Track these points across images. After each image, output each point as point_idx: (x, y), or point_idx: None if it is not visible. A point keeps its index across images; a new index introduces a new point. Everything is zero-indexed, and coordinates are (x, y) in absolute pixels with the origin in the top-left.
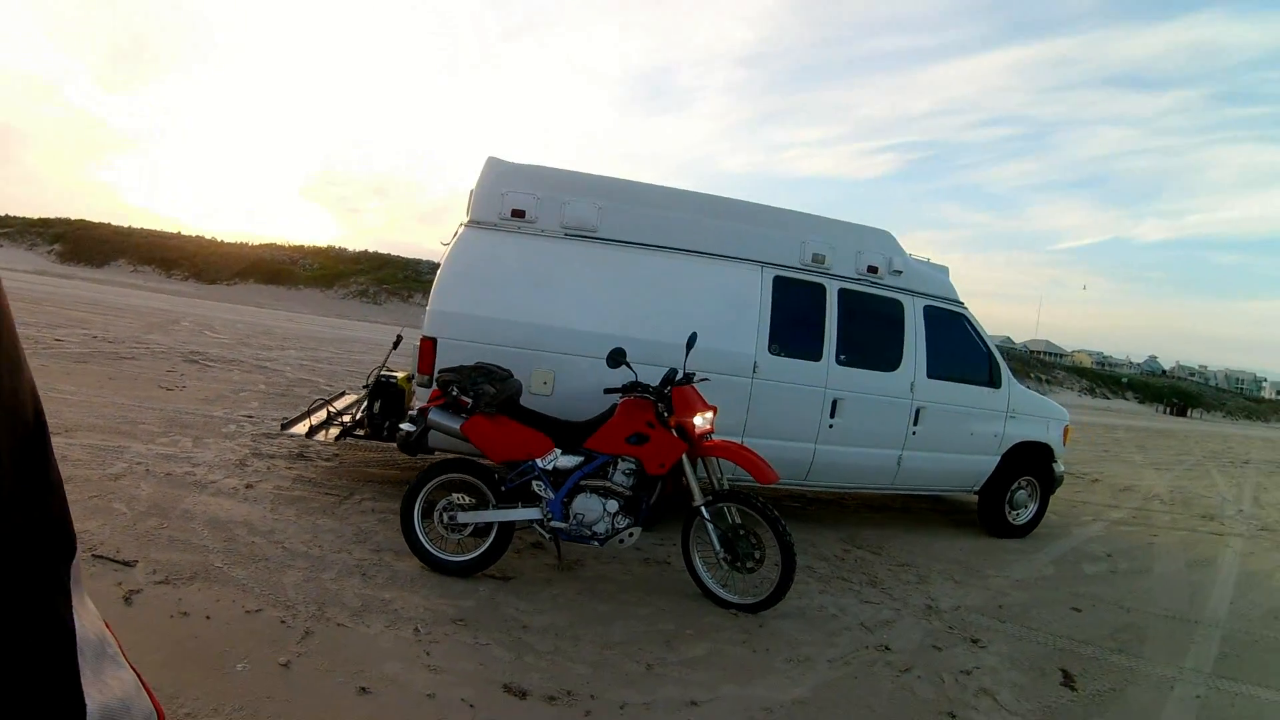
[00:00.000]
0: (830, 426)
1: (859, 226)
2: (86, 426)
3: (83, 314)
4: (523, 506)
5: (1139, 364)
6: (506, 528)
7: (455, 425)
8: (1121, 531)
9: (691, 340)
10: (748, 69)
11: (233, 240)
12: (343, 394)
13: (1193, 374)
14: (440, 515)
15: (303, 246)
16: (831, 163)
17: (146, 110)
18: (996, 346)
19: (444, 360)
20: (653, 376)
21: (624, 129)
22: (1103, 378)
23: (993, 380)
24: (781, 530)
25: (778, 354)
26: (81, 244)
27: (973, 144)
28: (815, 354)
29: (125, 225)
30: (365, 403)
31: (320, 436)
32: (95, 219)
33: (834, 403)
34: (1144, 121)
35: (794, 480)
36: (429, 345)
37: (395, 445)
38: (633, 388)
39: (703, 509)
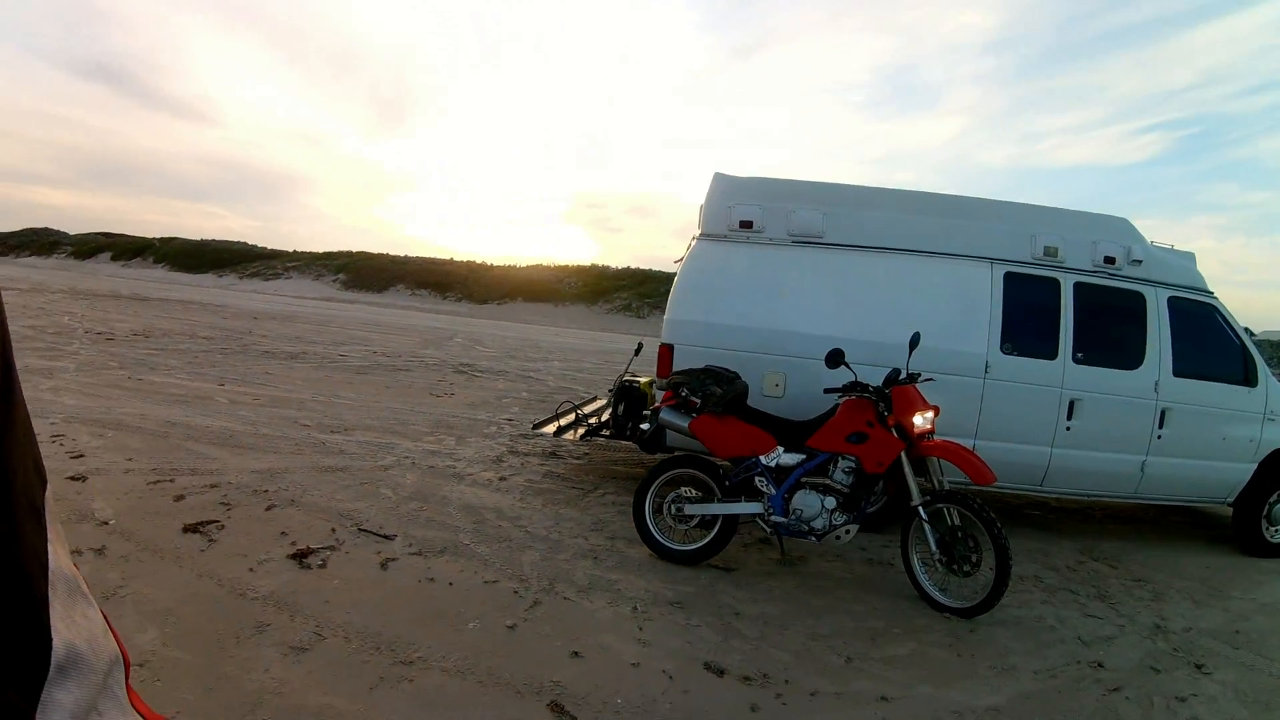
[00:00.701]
0: (1067, 429)
1: (1093, 215)
2: (363, 427)
3: (364, 333)
4: (746, 501)
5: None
6: (730, 520)
7: (684, 423)
8: None
9: (914, 340)
10: (994, 56)
11: (501, 264)
12: (594, 398)
13: None
14: (669, 507)
15: (567, 266)
16: (1093, 149)
17: (416, 152)
18: (1256, 340)
19: (680, 364)
20: (879, 377)
21: (873, 133)
22: None
23: (1248, 378)
24: (997, 533)
25: (1010, 353)
26: (363, 273)
27: (1243, 114)
28: (1050, 352)
29: (402, 255)
30: (610, 405)
31: (568, 436)
32: (374, 250)
33: (1071, 404)
34: None
35: (1028, 485)
36: (666, 351)
37: (637, 444)
38: (852, 387)
39: (920, 509)
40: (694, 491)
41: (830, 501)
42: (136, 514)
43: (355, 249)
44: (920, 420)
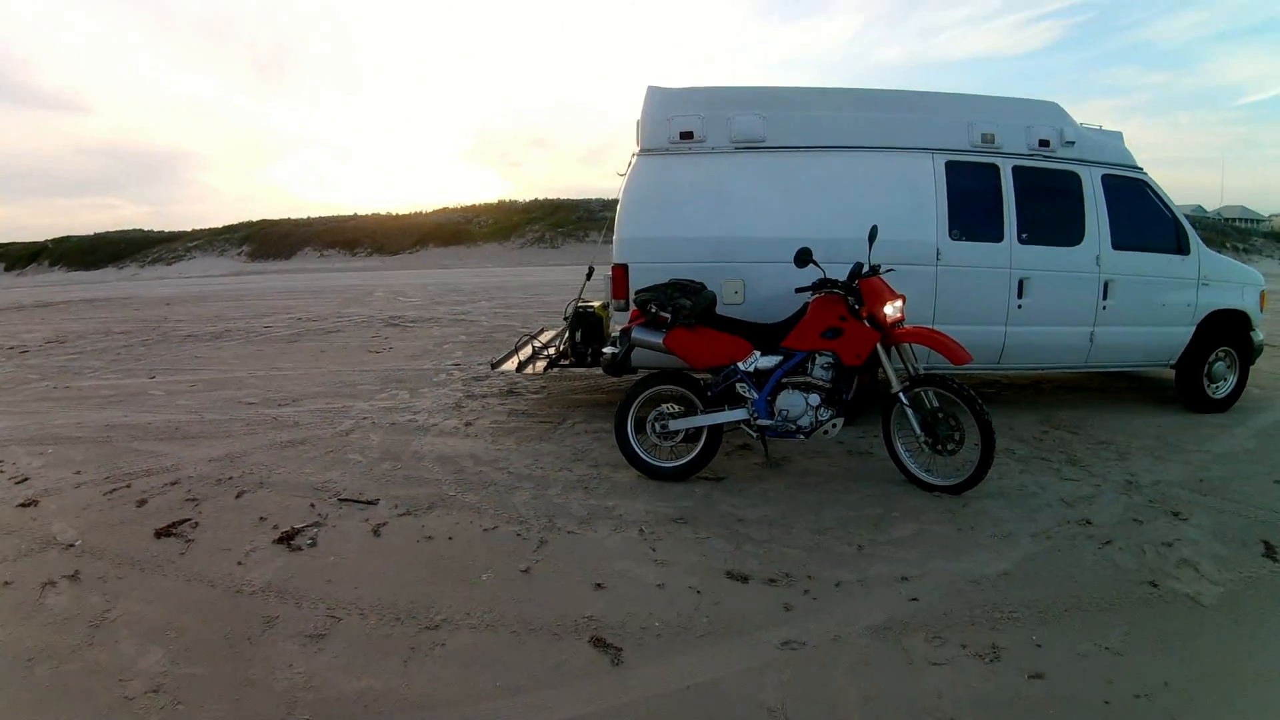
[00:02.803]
0: (1019, 307)
1: (1024, 100)
2: (311, 394)
3: (283, 302)
4: (729, 409)
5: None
6: (716, 430)
7: (658, 339)
8: None
9: (873, 233)
10: None
11: (407, 212)
12: (542, 330)
13: None
14: (652, 425)
15: (475, 206)
16: (989, 40)
17: (305, 111)
18: (1184, 214)
19: (637, 283)
20: (837, 274)
21: (768, 39)
22: None
23: (1181, 247)
24: (979, 410)
25: (959, 239)
26: (267, 241)
27: (1134, 1)
28: (997, 235)
29: (305, 217)
30: (567, 334)
31: (530, 370)
32: (276, 217)
33: (1020, 282)
34: None
35: (987, 365)
36: (621, 272)
37: (600, 370)
38: (822, 284)
39: (901, 395)
40: (675, 407)
41: (814, 398)
42: (102, 529)
43: (256, 218)
44: (891, 310)
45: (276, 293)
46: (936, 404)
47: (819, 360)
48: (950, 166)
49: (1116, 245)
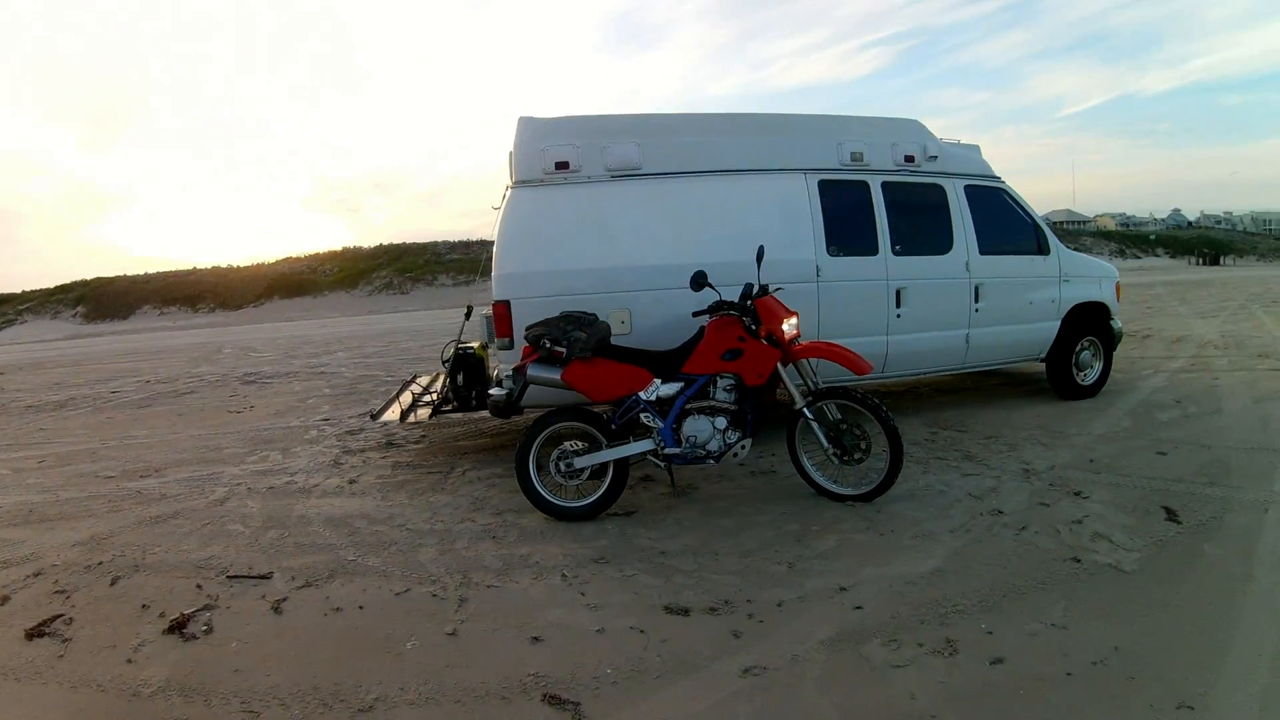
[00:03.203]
0: (898, 316)
1: (889, 119)
2: (175, 463)
3: (127, 364)
4: (635, 440)
5: (1163, 220)
6: (622, 464)
7: (555, 375)
8: (1184, 379)
9: (760, 253)
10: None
11: (249, 264)
12: (415, 376)
13: (1219, 222)
14: (556, 465)
15: (318, 254)
16: (819, 69)
17: (131, 162)
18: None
19: (521, 320)
20: (728, 296)
21: (608, 75)
22: (1130, 238)
23: (1041, 248)
24: (885, 417)
25: (836, 254)
26: (103, 301)
27: (960, 24)
28: (872, 249)
29: (141, 273)
30: (447, 378)
31: (412, 418)
32: (111, 274)
33: (898, 293)
34: None
35: (872, 375)
36: (503, 309)
37: (485, 413)
38: (719, 306)
39: (805, 410)
40: (578, 444)
41: (720, 421)
42: None
43: (90, 276)
44: (788, 327)
45: (119, 355)
46: (839, 416)
47: (721, 383)
48: (823, 185)
49: (983, 250)
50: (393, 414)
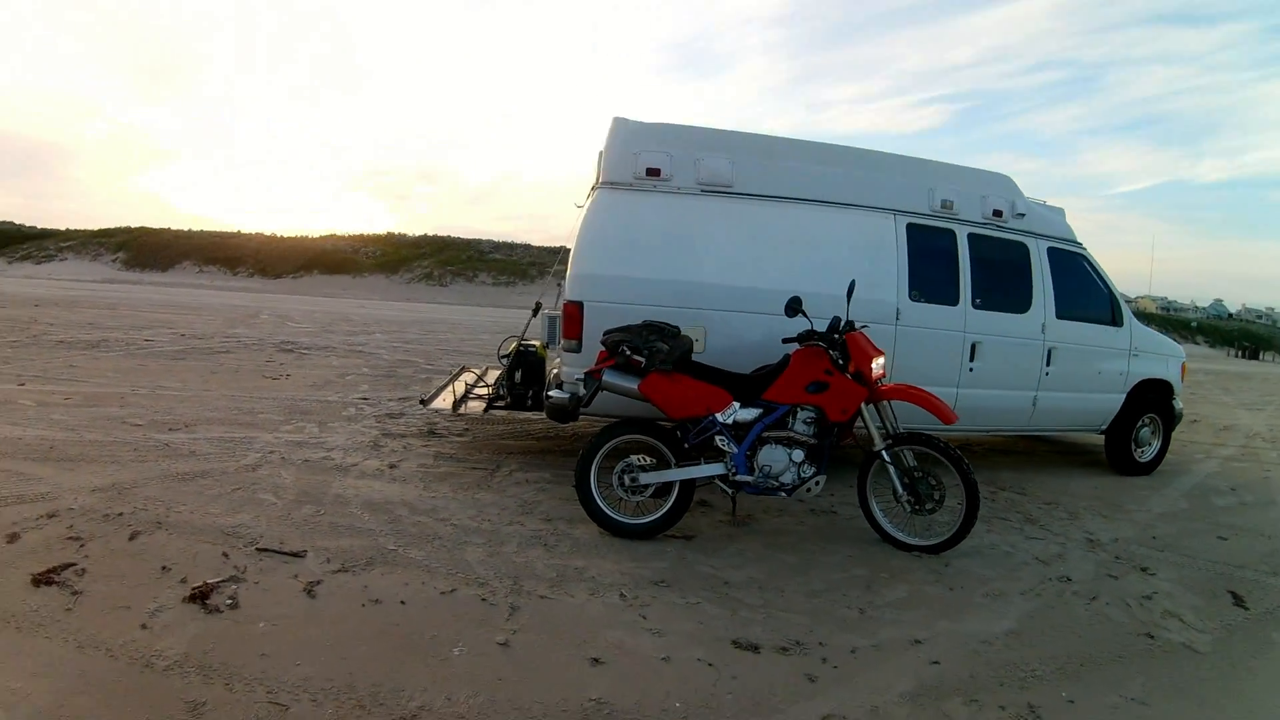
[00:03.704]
0: (970, 370)
1: (980, 171)
2: (206, 420)
3: (162, 315)
4: (705, 463)
5: (1205, 308)
6: (688, 486)
7: (632, 385)
8: (1236, 468)
9: (851, 288)
10: (783, 28)
11: (292, 235)
12: (464, 369)
13: (1260, 316)
14: (619, 478)
15: (363, 235)
16: (876, 118)
17: (194, 120)
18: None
19: (592, 323)
20: (800, 327)
21: (666, 98)
22: (1171, 323)
23: (1115, 319)
24: (966, 470)
25: (918, 300)
26: (144, 250)
27: (1019, 91)
28: (952, 299)
29: (185, 229)
30: (504, 373)
31: (463, 410)
32: (155, 226)
33: (973, 346)
34: (1196, 59)
35: (938, 427)
36: (575, 310)
37: (532, 414)
38: (809, 336)
39: (884, 453)
40: (646, 459)
41: (797, 454)
42: None
43: (131, 224)
44: (876, 366)
45: (154, 305)
46: (914, 463)
47: (801, 415)
48: (911, 229)
49: (1060, 314)
50: (443, 402)
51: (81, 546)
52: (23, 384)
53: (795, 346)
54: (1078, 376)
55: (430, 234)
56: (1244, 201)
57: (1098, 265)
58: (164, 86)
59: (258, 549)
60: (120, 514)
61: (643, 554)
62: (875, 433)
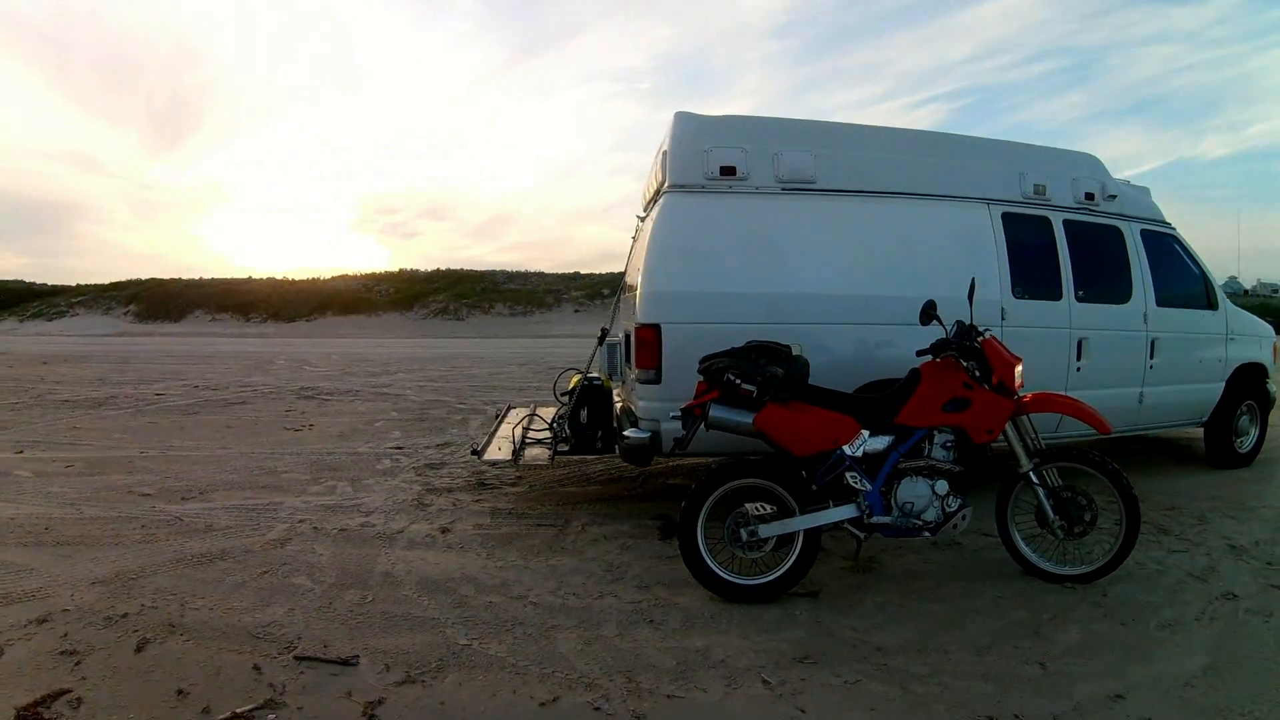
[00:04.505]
0: (1078, 369)
1: (1067, 151)
2: (224, 485)
3: (174, 366)
4: (835, 505)
5: (1220, 286)
6: (814, 535)
7: (746, 420)
8: None
9: (972, 287)
10: (779, 40)
11: (303, 277)
12: (509, 407)
13: (1276, 290)
14: (733, 532)
15: (375, 273)
16: (876, 121)
17: (198, 169)
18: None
19: (671, 349)
20: (907, 337)
21: (663, 120)
22: None
23: (1210, 302)
24: (1125, 484)
25: (1021, 297)
26: (156, 301)
27: (1018, 83)
28: (1056, 293)
29: (196, 278)
30: (566, 412)
31: (526, 459)
32: (166, 276)
33: (1079, 343)
34: (1192, 35)
35: (1046, 433)
36: (651, 334)
37: (618, 456)
38: (944, 345)
39: (1032, 474)
40: (764, 507)
41: (941, 485)
42: None
43: (145, 276)
44: (1018, 374)
45: (166, 356)
46: (1060, 481)
47: (938, 438)
48: (1007, 219)
49: (1160, 302)
50: (499, 451)
51: (78, 664)
52: (20, 451)
53: (928, 359)
54: (1180, 367)
55: (443, 269)
56: (1251, 175)
57: (1188, 245)
58: (176, 138)
59: (296, 657)
60: (125, 615)
61: (770, 622)
62: (1020, 451)
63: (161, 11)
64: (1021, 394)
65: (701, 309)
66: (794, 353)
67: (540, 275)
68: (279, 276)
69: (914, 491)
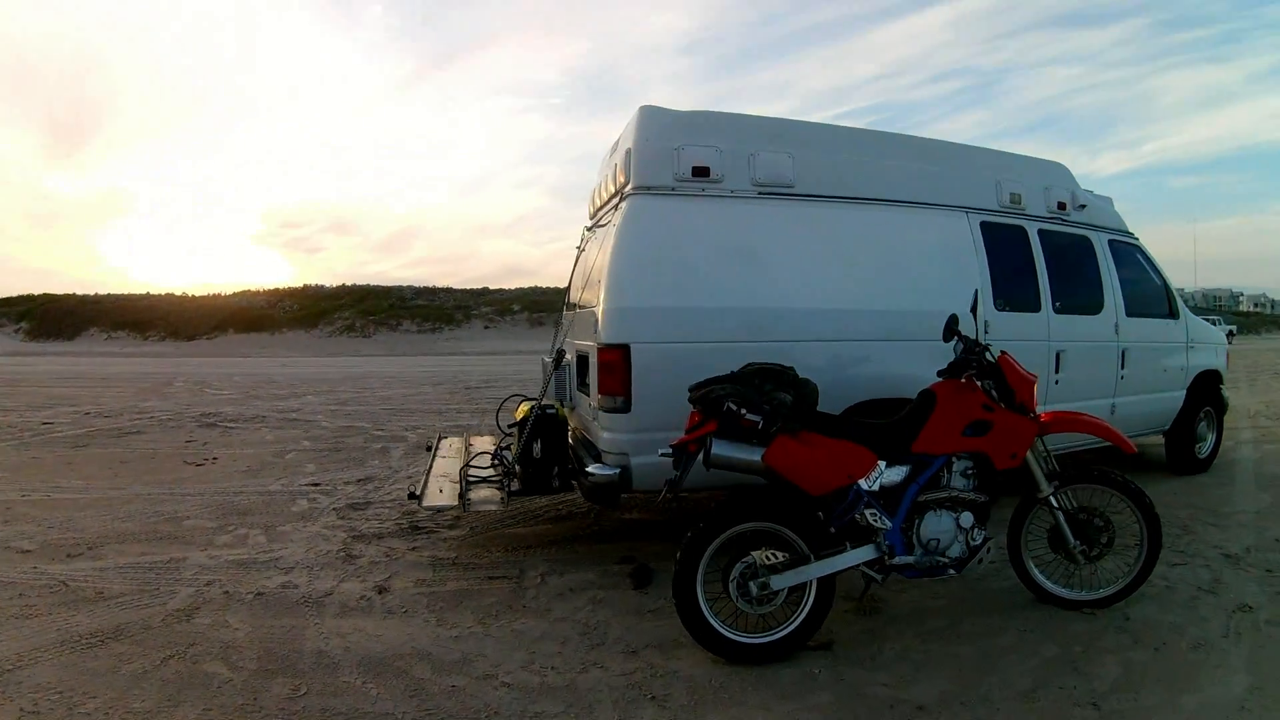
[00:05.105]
0: (1056, 383)
1: (1037, 159)
2: (117, 536)
3: (66, 390)
4: (851, 547)
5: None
6: (828, 584)
7: (754, 456)
8: (1272, 450)
9: (975, 300)
10: (690, 57)
11: (204, 293)
12: (441, 438)
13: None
14: (739, 584)
15: (278, 289)
16: None
17: (97, 180)
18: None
19: (643, 373)
20: (892, 354)
21: (574, 134)
22: None
23: (1172, 310)
24: (1148, 504)
25: (1003, 309)
26: (49, 318)
27: (923, 102)
28: (1035, 305)
29: (92, 294)
30: (518, 446)
31: (472, 500)
32: (60, 292)
33: (1057, 355)
34: (1092, 56)
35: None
36: (617, 357)
37: (590, 496)
38: (966, 364)
39: (1052, 498)
40: (774, 555)
41: (966, 518)
42: None
43: (38, 292)
44: (1037, 393)
45: (58, 379)
46: (1075, 503)
47: (957, 466)
48: (985, 228)
49: (1129, 312)
50: (441, 494)
51: None
52: None
53: (957, 379)
54: (1148, 377)
55: (348, 284)
56: (1145, 189)
57: (1151, 255)
58: (70, 148)
59: None
60: None
61: (789, 685)
62: (1039, 474)
63: (61, 15)
64: (1038, 413)
65: (675, 326)
66: (799, 376)
67: (448, 291)
68: (178, 293)
69: (939, 526)
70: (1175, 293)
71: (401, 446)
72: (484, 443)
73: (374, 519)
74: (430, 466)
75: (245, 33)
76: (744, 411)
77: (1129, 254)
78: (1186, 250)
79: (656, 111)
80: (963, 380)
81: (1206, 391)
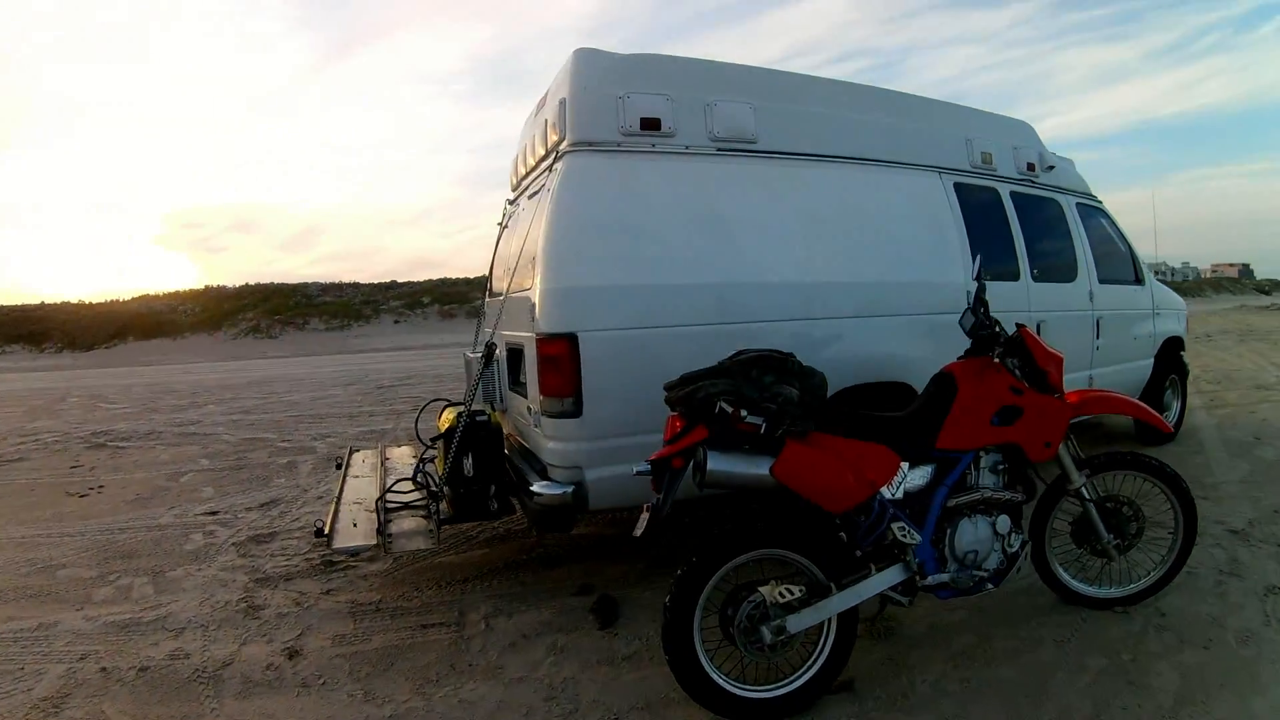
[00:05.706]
0: None
1: (1003, 118)
2: None
3: None
4: (878, 570)
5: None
6: (850, 617)
7: (761, 470)
8: (1227, 415)
9: (978, 267)
10: (595, 40)
11: (101, 300)
12: (352, 452)
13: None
14: (748, 630)
15: (179, 293)
16: None
17: None
18: None
19: (593, 366)
20: (880, 330)
21: (481, 120)
22: None
23: (1138, 277)
24: (1184, 489)
25: (984, 278)
26: None
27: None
28: (1013, 273)
29: None
30: (451, 465)
31: (393, 537)
32: None
33: (1038, 326)
34: (992, 36)
35: None
36: (563, 348)
37: (534, 521)
38: (992, 340)
39: (1084, 489)
40: (789, 590)
41: (1003, 522)
42: None
43: None
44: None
45: None
46: (1100, 493)
47: (985, 461)
48: (959, 189)
49: (1101, 279)
50: (355, 530)
51: None
52: None
53: (985, 359)
54: (1121, 346)
55: (252, 284)
56: None
57: (1115, 220)
58: None
59: None
60: None
61: None
62: (1071, 466)
63: None
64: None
65: (632, 309)
66: (802, 364)
67: (355, 286)
68: (75, 301)
69: (975, 535)
70: (1138, 257)
71: (310, 460)
72: (402, 454)
73: (280, 554)
74: (340, 491)
75: (139, 23)
76: (743, 413)
77: (1094, 219)
78: (1136, 220)
79: (596, 54)
80: (989, 359)
81: (1171, 358)
